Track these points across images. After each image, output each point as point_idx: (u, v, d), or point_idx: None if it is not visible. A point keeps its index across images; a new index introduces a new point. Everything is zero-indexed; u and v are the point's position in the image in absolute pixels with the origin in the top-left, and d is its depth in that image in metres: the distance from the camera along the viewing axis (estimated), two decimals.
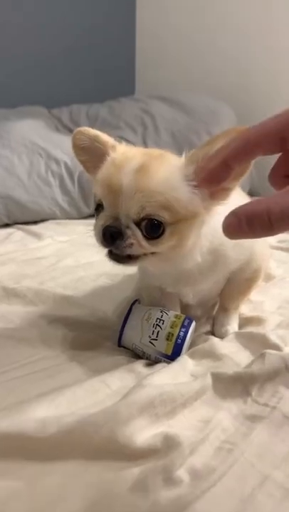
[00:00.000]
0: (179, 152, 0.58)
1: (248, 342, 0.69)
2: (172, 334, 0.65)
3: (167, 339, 0.65)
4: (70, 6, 1.95)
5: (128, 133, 1.60)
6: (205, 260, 0.62)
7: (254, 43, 1.84)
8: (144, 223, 0.53)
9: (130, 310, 0.70)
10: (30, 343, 0.70)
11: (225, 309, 0.77)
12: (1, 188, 1.37)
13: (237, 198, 0.62)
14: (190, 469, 0.45)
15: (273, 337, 0.68)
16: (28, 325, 0.75)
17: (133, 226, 0.53)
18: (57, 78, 1.96)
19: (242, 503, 0.42)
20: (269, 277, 0.95)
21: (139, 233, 0.53)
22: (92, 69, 2.06)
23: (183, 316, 0.68)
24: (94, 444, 0.47)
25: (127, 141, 1.47)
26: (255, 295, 0.85)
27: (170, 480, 0.43)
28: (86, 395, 0.56)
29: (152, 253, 0.55)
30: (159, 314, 0.68)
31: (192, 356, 0.66)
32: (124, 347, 0.70)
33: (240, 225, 0.34)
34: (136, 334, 0.67)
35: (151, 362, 0.66)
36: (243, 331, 0.74)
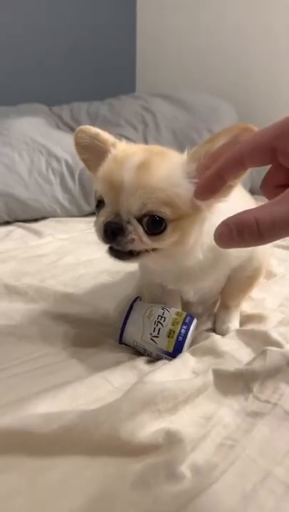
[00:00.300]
0: (179, 150, 0.58)
1: (249, 339, 0.69)
2: (173, 331, 0.65)
3: (168, 336, 0.65)
4: (70, 4, 1.95)
5: (129, 130, 1.60)
6: (206, 257, 0.62)
7: (254, 43, 1.84)
8: (145, 219, 0.53)
9: (131, 307, 0.69)
10: (31, 340, 0.70)
11: (226, 307, 0.77)
12: (1, 186, 1.37)
13: (238, 195, 0.62)
14: (192, 465, 0.45)
15: (274, 334, 0.68)
16: (29, 322, 0.75)
17: (134, 222, 0.53)
18: (58, 78, 1.96)
19: (244, 499, 0.42)
20: (270, 275, 0.94)
21: (140, 229, 0.53)
22: (93, 69, 2.07)
23: (184, 313, 0.68)
24: (95, 440, 0.47)
25: (128, 138, 1.47)
26: (256, 293, 0.85)
27: (172, 476, 0.43)
28: (87, 392, 0.56)
29: (154, 250, 0.55)
30: (160, 311, 0.68)
31: (193, 353, 0.66)
32: (126, 344, 0.70)
33: (231, 235, 0.35)
34: (137, 331, 0.67)
35: (153, 359, 0.66)
36: (244, 328, 0.74)
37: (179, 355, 0.64)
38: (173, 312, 0.68)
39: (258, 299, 0.84)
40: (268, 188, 0.41)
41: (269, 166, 0.41)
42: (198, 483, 0.43)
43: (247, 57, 1.87)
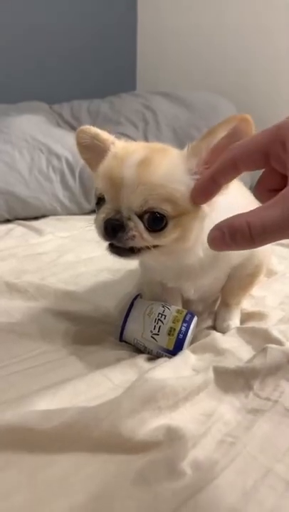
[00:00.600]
0: (180, 148, 0.58)
1: (249, 337, 0.69)
2: (174, 329, 0.65)
3: (169, 334, 0.65)
4: (72, 3, 1.95)
5: (129, 128, 1.60)
6: (206, 255, 0.62)
7: (254, 43, 1.83)
8: (146, 216, 0.52)
9: (132, 305, 0.69)
10: (32, 338, 0.70)
11: (226, 304, 0.77)
12: (1, 184, 1.37)
13: (238, 193, 0.62)
14: (192, 462, 0.45)
15: (275, 332, 0.68)
16: (30, 320, 0.75)
17: (135, 218, 0.53)
18: (58, 76, 1.95)
19: (244, 496, 0.42)
20: (271, 273, 0.94)
21: (141, 225, 0.53)
22: (93, 69, 2.06)
23: (185, 311, 0.68)
24: (95, 436, 0.47)
25: (128, 136, 1.48)
26: (256, 290, 0.84)
27: (172, 473, 0.43)
28: (88, 389, 0.56)
29: (154, 246, 0.55)
30: (160, 309, 0.68)
31: (194, 351, 0.66)
32: (126, 342, 0.70)
33: (224, 238, 0.36)
34: (137, 329, 0.67)
35: (153, 356, 0.66)
36: (244, 326, 0.74)
37: (179, 353, 0.64)
38: (173, 310, 0.68)
39: (259, 297, 0.84)
40: (262, 191, 0.41)
41: (261, 173, 0.41)
42: (199, 479, 0.43)
43: (247, 57, 1.87)
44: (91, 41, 2.04)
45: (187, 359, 0.63)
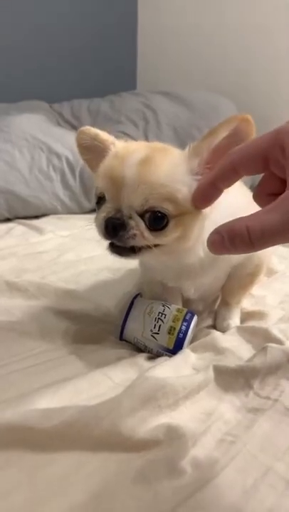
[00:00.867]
0: (180, 147, 0.58)
1: (249, 336, 0.69)
2: (174, 328, 0.65)
3: (169, 333, 0.65)
4: (73, 3, 1.95)
5: (130, 128, 1.60)
6: (207, 255, 0.62)
7: (254, 43, 1.83)
8: (147, 215, 0.52)
9: (132, 304, 0.69)
10: (32, 337, 0.70)
11: (226, 304, 0.77)
12: (2, 183, 1.37)
13: (239, 193, 0.62)
14: (193, 461, 0.45)
15: (275, 331, 0.68)
16: (30, 318, 0.75)
17: (136, 217, 0.52)
18: (58, 75, 1.95)
19: (244, 495, 0.42)
20: (271, 272, 0.95)
21: (142, 224, 0.52)
22: (93, 69, 2.06)
23: (185, 310, 0.68)
24: (96, 435, 0.47)
25: (129, 135, 1.48)
26: (257, 290, 0.84)
27: (173, 471, 0.43)
28: (88, 388, 0.56)
29: (155, 246, 0.55)
30: (160, 308, 0.68)
31: (194, 350, 0.66)
32: (126, 341, 0.70)
33: (223, 242, 0.36)
34: (138, 328, 0.67)
35: (154, 355, 0.66)
36: (244, 325, 0.74)
37: (179, 352, 0.64)
38: (173, 309, 0.68)
39: (259, 296, 0.84)
40: (261, 196, 0.42)
41: (261, 178, 0.41)
42: (199, 478, 0.43)
43: (247, 57, 1.87)
44: (91, 41, 2.04)
45: (187, 358, 0.63)
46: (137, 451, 0.46)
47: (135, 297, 0.71)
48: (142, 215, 0.53)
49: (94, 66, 2.07)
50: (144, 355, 0.65)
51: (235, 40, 1.90)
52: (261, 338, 0.67)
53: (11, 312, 0.76)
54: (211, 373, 0.58)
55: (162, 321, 0.66)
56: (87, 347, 0.68)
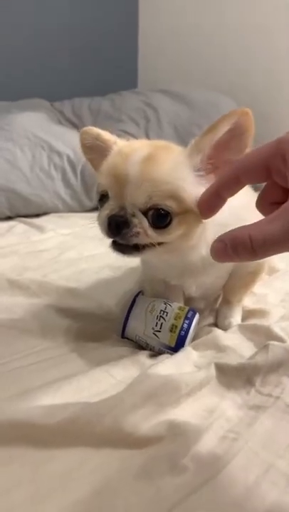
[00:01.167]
0: (181, 145, 0.58)
1: (251, 334, 0.69)
2: (176, 326, 0.65)
3: (171, 331, 0.65)
4: (73, 3, 1.95)
5: (131, 126, 1.60)
6: (209, 253, 0.62)
7: (254, 43, 1.83)
8: (150, 213, 0.52)
9: (134, 302, 0.69)
10: (33, 334, 0.70)
11: (228, 302, 0.77)
12: (3, 181, 1.37)
13: (242, 192, 0.62)
14: (194, 457, 0.45)
15: (276, 329, 0.68)
16: (32, 316, 0.75)
17: (139, 215, 0.52)
18: (60, 74, 1.95)
19: (246, 491, 0.42)
20: (272, 271, 0.94)
21: (145, 222, 0.52)
22: (94, 69, 2.06)
23: (186, 308, 0.68)
24: (98, 432, 0.47)
25: (130, 134, 1.48)
26: (258, 288, 0.84)
27: (175, 468, 0.44)
28: (90, 385, 0.56)
29: (159, 244, 0.55)
30: (162, 306, 0.68)
31: (196, 348, 0.66)
32: (128, 338, 0.70)
33: (226, 250, 0.37)
34: (139, 326, 0.67)
35: (155, 353, 0.66)
36: (246, 323, 0.74)
37: (181, 350, 0.64)
38: (175, 307, 0.68)
39: (260, 294, 0.84)
40: (264, 204, 0.42)
41: (263, 187, 0.42)
42: (201, 475, 0.43)
43: (247, 57, 1.87)
44: (93, 40, 2.04)
45: (189, 356, 0.63)
46: (139, 448, 0.46)
47: (137, 295, 0.71)
48: (145, 213, 0.52)
49: (95, 65, 2.07)
50: (145, 352, 0.66)
51: (235, 40, 1.90)
52: (263, 336, 0.67)
53: (12, 310, 0.76)
54: (212, 371, 0.58)
55: (164, 318, 0.66)
56: (89, 345, 0.68)
